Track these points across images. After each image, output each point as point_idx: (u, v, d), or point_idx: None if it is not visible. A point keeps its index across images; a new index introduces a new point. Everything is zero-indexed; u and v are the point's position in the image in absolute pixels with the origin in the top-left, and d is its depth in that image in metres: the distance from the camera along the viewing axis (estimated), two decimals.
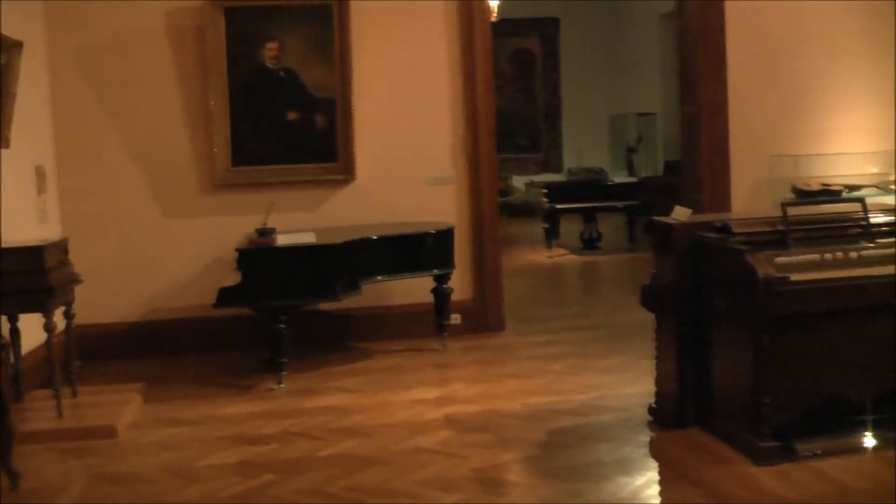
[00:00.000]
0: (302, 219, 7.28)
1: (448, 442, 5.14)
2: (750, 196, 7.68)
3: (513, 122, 16.67)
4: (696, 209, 6.37)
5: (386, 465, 4.83)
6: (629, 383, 6.09)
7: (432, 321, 7.22)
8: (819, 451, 4.39)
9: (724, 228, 4.77)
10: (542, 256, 12.36)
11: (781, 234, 4.65)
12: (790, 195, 7.20)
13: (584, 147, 16.79)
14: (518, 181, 16.41)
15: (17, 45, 5.82)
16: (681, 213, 5.19)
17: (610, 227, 13.36)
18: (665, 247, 5.07)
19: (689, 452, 4.66)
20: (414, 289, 7.29)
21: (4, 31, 5.69)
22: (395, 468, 4.78)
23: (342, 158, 7.41)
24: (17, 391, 5.76)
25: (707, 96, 7.74)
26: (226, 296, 6.27)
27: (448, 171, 7.61)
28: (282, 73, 7.40)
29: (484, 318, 7.71)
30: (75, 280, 5.93)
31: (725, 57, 7.68)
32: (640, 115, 15.85)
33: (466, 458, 4.88)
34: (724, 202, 7.65)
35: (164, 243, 7.38)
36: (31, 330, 5.85)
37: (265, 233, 6.40)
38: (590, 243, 12.71)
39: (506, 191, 15.27)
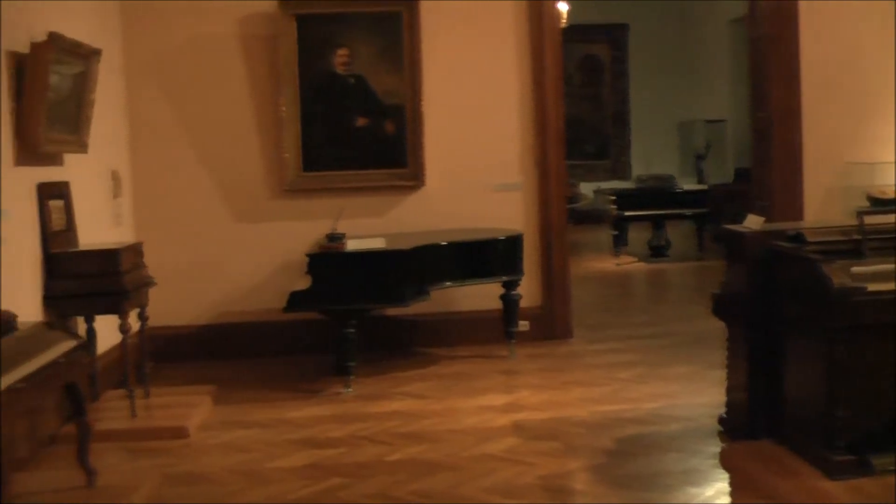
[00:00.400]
0: (371, 224, 7.33)
1: (515, 449, 5.13)
2: (823, 204, 7.55)
3: (580, 129, 16.58)
4: (767, 217, 6.27)
5: (453, 470, 4.84)
6: (697, 393, 6.03)
7: (500, 327, 7.21)
8: (894, 467, 4.30)
9: (798, 237, 4.70)
10: (609, 264, 12.30)
11: (857, 244, 4.57)
12: (865, 203, 7.06)
13: (652, 154, 16.69)
14: (586, 188, 16.36)
15: (96, 53, 5.94)
16: (753, 222, 5.13)
17: (678, 234, 13.24)
18: (737, 255, 5.02)
19: (761, 464, 4.60)
20: (482, 295, 7.29)
21: (83, 39, 5.80)
22: (462, 474, 4.78)
23: (411, 164, 7.45)
24: (94, 391, 5.88)
25: (779, 102, 7.63)
26: (296, 300, 6.33)
27: (517, 177, 7.60)
28: (352, 80, 7.46)
29: (552, 325, 7.68)
30: (149, 283, 6.03)
31: (798, 61, 7.56)
32: (709, 121, 15.70)
33: (533, 465, 4.87)
34: (796, 210, 7.54)
35: (234, 247, 7.47)
36: (105, 331, 5.96)
37: (335, 238, 6.45)
38: (658, 251, 12.61)
39: (573, 197, 15.21)
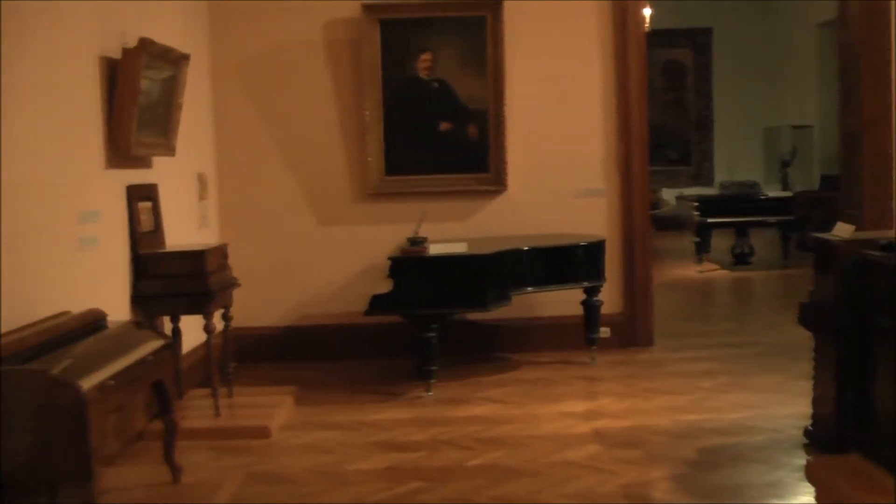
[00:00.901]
0: (453, 229, 7.35)
1: (596, 456, 5.09)
2: None
3: (663, 135, 16.44)
4: (857, 226, 6.14)
5: (534, 477, 4.82)
6: (782, 403, 5.93)
7: (581, 334, 7.17)
8: None
9: (890, 246, 4.59)
10: (691, 271, 12.17)
11: None
12: None
13: (736, 160, 16.49)
14: (668, 194, 16.22)
15: (185, 58, 6.04)
16: (843, 230, 5.03)
17: (762, 242, 13.05)
18: (826, 264, 4.92)
19: (848, 479, 4.48)
20: (563, 301, 7.25)
21: (172, 44, 5.91)
22: (542, 481, 4.76)
23: (494, 169, 7.44)
24: (178, 389, 5.96)
25: (870, 108, 7.44)
26: (378, 303, 6.35)
27: (599, 183, 7.55)
28: (435, 84, 7.48)
29: (633, 332, 7.62)
30: (234, 284, 6.11)
31: (891, 66, 7.36)
32: (795, 127, 15.46)
33: (615, 473, 4.83)
34: (885, 219, 7.35)
35: (317, 250, 7.55)
36: (190, 331, 6.06)
37: (417, 242, 6.46)
38: (741, 258, 12.44)
39: (655, 204, 15.09)
